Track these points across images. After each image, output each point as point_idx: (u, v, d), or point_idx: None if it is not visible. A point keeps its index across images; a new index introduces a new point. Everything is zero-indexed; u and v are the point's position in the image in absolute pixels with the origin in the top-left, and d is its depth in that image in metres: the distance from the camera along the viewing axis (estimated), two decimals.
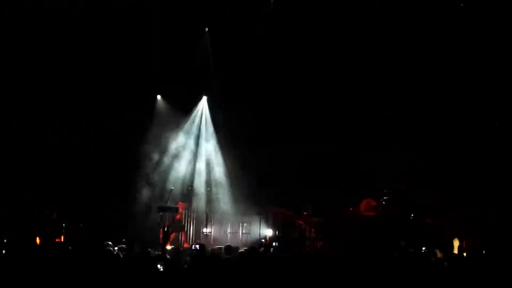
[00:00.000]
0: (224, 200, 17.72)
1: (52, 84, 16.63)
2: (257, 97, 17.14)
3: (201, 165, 18.30)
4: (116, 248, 11.66)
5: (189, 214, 17.58)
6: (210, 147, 18.44)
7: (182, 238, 17.12)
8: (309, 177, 16.85)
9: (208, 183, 18.08)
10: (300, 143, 16.76)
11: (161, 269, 9.31)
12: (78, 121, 16.91)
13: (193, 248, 14.42)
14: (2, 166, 15.87)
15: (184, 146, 18.28)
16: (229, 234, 17.28)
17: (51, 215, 15.03)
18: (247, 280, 8.61)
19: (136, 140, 17.33)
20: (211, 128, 18.57)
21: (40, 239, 13.61)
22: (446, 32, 15.73)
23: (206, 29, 17.90)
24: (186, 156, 18.26)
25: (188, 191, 17.86)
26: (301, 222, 16.07)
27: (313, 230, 15.93)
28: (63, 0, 15.87)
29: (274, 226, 16.92)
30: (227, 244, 12.78)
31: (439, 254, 10.07)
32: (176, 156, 18.08)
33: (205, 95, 18.66)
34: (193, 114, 18.67)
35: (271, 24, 17.12)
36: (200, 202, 17.73)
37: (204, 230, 17.12)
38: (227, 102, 17.56)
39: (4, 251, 9.77)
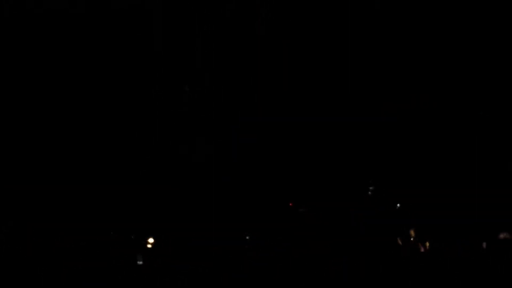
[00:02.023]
0: None
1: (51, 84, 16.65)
2: (256, 98, 17.15)
3: None
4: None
5: None
6: None
7: None
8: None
9: None
10: (298, 143, 16.77)
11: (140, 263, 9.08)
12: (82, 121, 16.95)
13: None
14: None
15: None
16: None
17: None
18: (247, 280, 8.61)
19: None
20: None
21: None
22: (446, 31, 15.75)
23: (205, 26, 17.85)
24: None
25: None
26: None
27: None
28: (63, 0, 15.91)
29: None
30: None
31: (427, 244, 10.09)
32: None
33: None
34: None
35: (271, 24, 17.13)
36: None
37: None
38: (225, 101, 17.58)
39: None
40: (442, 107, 16.17)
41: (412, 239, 10.97)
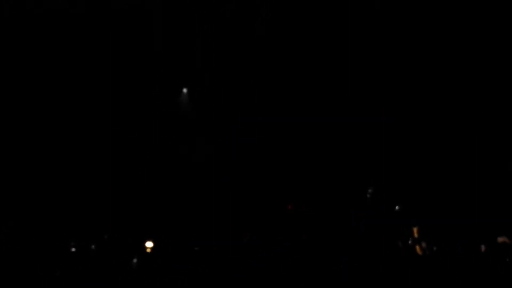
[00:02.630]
0: None
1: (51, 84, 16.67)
2: (256, 98, 17.17)
3: None
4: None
5: None
6: None
7: None
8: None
9: None
10: (298, 143, 16.79)
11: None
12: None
13: None
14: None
15: None
16: None
17: None
18: (247, 280, 8.60)
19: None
20: None
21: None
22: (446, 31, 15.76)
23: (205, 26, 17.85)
24: None
25: None
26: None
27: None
28: (63, 0, 15.93)
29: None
30: None
31: (423, 245, 10.08)
32: None
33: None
34: None
35: (271, 24, 17.14)
36: None
37: None
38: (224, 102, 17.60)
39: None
40: (442, 107, 16.18)
41: (411, 240, 10.97)
